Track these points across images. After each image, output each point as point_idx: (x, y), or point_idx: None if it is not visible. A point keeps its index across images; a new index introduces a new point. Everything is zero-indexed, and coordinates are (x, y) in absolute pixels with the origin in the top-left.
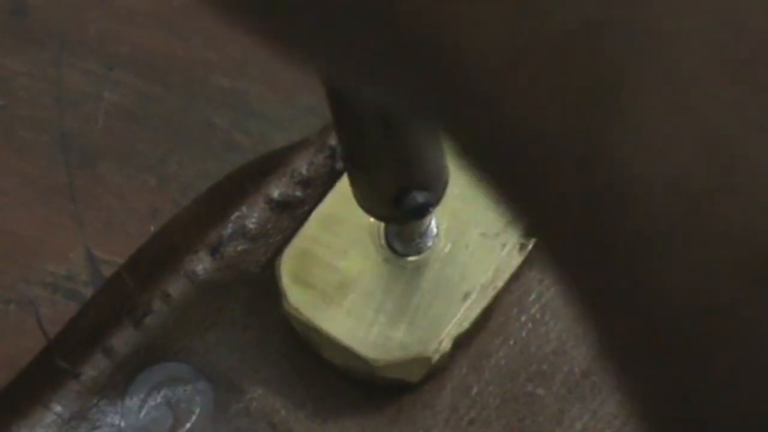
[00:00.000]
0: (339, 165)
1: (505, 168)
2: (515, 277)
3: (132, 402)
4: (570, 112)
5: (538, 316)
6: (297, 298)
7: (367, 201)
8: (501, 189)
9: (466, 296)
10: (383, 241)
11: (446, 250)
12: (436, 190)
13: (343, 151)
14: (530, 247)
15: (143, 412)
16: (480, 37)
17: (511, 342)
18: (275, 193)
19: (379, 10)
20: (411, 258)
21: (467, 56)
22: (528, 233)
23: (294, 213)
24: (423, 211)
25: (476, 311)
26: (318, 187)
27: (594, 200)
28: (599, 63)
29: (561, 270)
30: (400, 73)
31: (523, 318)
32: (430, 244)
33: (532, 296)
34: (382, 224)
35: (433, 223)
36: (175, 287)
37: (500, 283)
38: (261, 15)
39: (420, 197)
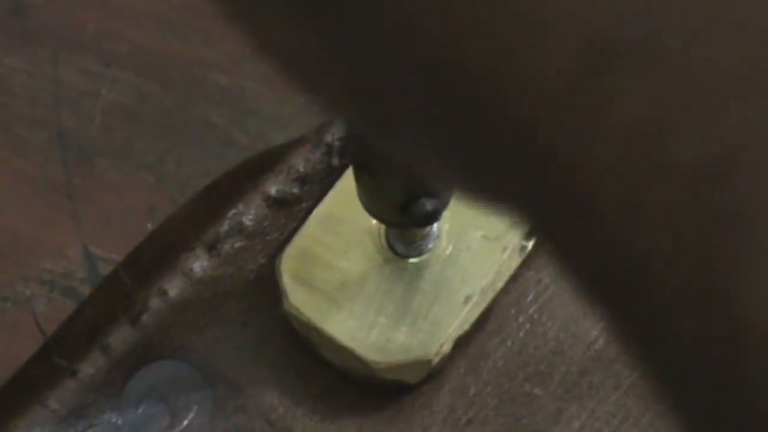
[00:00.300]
0: (336, 162)
1: (607, 279)
2: (513, 278)
3: (129, 399)
4: (694, 247)
5: (535, 316)
6: (297, 297)
7: (374, 206)
8: (592, 291)
9: (467, 299)
10: (384, 242)
11: (447, 251)
12: (444, 197)
13: (353, 157)
14: (529, 249)
15: (141, 410)
16: (605, 171)
17: (509, 342)
18: (272, 190)
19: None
20: (412, 259)
21: (592, 186)
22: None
23: (291, 210)
24: (431, 218)
25: (476, 314)
26: (315, 184)
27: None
28: (722, 203)
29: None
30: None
31: (521, 319)
32: (431, 245)
33: (530, 297)
34: (383, 225)
35: (435, 224)
36: (173, 285)
37: (500, 285)
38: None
39: (429, 204)
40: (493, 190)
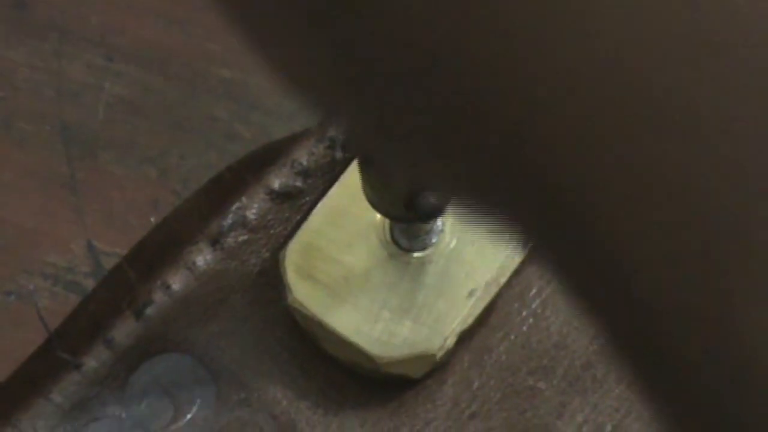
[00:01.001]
0: (339, 155)
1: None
2: (516, 272)
3: (133, 393)
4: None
5: (539, 310)
6: (302, 292)
7: (379, 200)
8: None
9: (471, 294)
10: (388, 237)
11: (451, 246)
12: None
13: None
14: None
15: (144, 403)
16: (643, 239)
17: (512, 336)
18: (275, 184)
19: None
20: (416, 254)
21: (624, 251)
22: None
23: (294, 204)
24: (436, 212)
25: (480, 308)
26: (318, 178)
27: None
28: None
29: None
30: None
31: (524, 313)
32: (435, 240)
33: (533, 291)
34: (388, 219)
35: (439, 219)
36: (176, 279)
37: (503, 280)
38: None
39: (433, 199)
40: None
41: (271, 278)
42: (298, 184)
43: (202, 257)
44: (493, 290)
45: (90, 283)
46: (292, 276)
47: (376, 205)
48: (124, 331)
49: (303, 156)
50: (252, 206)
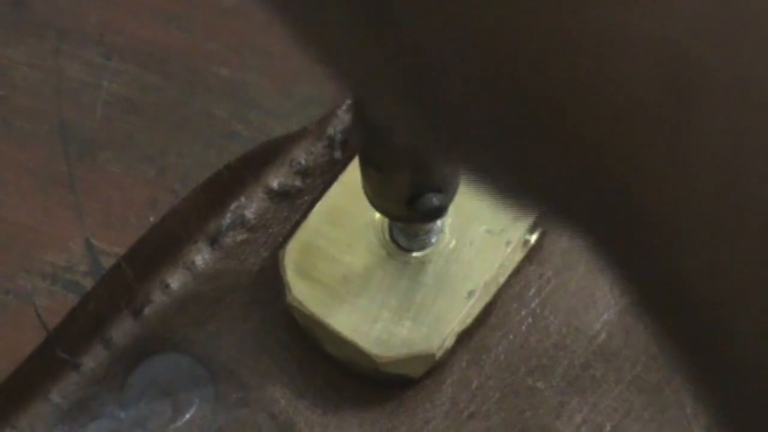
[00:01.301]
0: (338, 154)
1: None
2: (515, 271)
3: (131, 392)
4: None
5: (538, 310)
6: (301, 291)
7: (380, 200)
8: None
9: (470, 294)
10: (387, 236)
11: (451, 246)
12: (449, 192)
13: (360, 151)
14: (532, 243)
15: (143, 403)
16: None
17: (511, 336)
18: (274, 183)
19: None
20: (415, 253)
21: (662, 222)
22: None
23: (293, 203)
24: (438, 213)
25: (479, 308)
26: (317, 177)
27: None
28: None
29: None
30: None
31: (523, 312)
32: (434, 239)
33: (532, 291)
34: (387, 219)
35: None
36: (175, 278)
37: (503, 280)
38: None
39: (435, 200)
40: (550, 205)
41: (270, 277)
42: (297, 183)
43: (201, 256)
44: (492, 290)
45: (88, 283)
46: (291, 275)
47: (377, 205)
48: (123, 330)
49: (302, 155)
50: (251, 205)
